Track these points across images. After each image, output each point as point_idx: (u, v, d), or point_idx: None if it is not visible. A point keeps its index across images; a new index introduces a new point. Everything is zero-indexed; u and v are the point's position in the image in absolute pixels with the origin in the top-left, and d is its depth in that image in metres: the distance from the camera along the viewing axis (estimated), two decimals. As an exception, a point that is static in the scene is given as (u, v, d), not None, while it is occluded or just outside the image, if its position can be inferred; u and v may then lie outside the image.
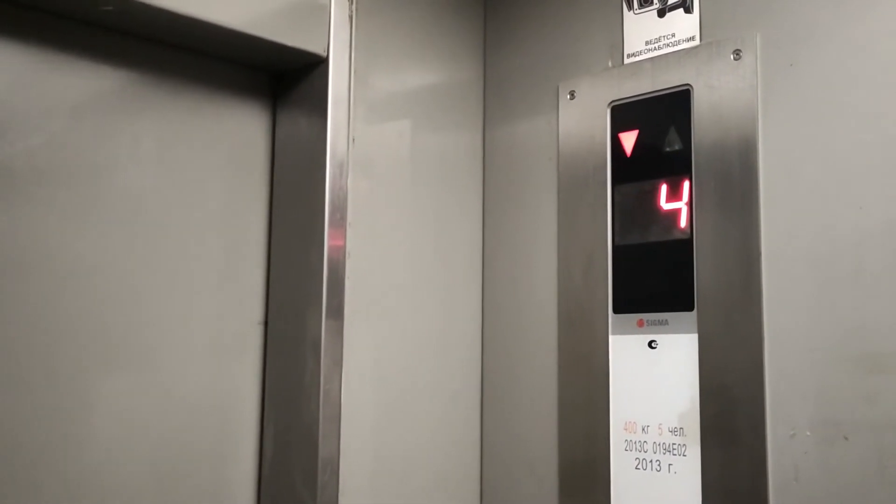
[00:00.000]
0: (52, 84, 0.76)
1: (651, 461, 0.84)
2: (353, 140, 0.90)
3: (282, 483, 0.86)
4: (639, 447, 0.85)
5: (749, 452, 0.77)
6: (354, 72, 0.91)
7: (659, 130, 0.87)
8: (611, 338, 0.88)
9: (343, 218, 0.87)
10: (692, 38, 0.86)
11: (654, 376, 0.84)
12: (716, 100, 0.82)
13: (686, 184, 0.84)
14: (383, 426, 0.92)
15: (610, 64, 0.93)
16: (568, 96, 0.96)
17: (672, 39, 0.87)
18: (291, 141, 0.90)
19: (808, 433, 0.73)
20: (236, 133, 0.89)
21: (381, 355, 0.92)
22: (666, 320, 0.84)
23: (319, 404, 0.84)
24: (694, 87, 0.84)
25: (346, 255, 0.87)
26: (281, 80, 0.92)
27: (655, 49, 0.88)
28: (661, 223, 0.86)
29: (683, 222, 0.84)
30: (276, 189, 0.91)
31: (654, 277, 0.86)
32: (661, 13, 0.89)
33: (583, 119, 0.94)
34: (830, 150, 0.75)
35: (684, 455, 0.81)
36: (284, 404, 0.87)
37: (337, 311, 0.86)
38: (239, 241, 0.89)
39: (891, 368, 0.69)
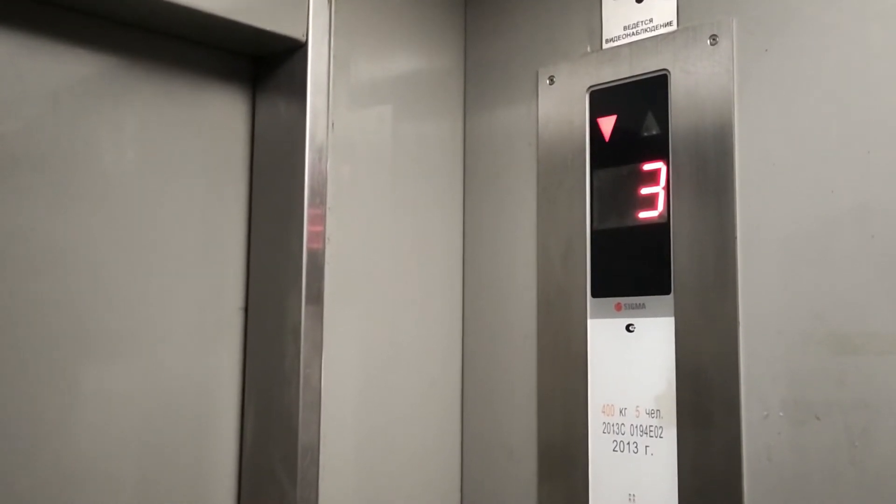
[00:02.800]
0: (29, 69, 0.76)
1: (628, 443, 0.85)
2: (333, 125, 0.90)
3: (262, 468, 0.86)
4: (616, 429, 0.86)
5: (723, 433, 0.78)
6: (334, 57, 0.91)
7: (637, 115, 0.87)
8: (589, 321, 0.89)
9: (322, 203, 0.87)
10: (669, 24, 0.86)
11: (632, 359, 0.85)
12: (692, 85, 0.83)
13: (663, 168, 0.85)
14: (364, 411, 0.92)
15: (589, 49, 0.93)
16: (547, 81, 0.96)
17: (650, 25, 0.88)
18: (271, 125, 0.90)
19: (781, 414, 0.74)
20: (215, 118, 0.89)
21: (361, 340, 0.93)
22: (643, 304, 0.85)
23: (300, 389, 0.84)
24: (671, 72, 0.85)
25: (326, 240, 0.88)
26: (260, 64, 0.92)
27: (633, 34, 0.89)
28: (638, 207, 0.86)
29: (661, 206, 0.84)
30: (255, 174, 0.91)
31: (631, 261, 0.86)
32: (639, -2, 0.89)
33: (562, 104, 0.94)
34: (803, 136, 0.76)
35: (661, 437, 0.82)
36: (265, 390, 0.87)
37: (317, 297, 0.86)
38: (219, 226, 0.89)
39: (859, 349, 0.70)
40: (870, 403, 0.69)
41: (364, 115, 0.95)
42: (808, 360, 0.73)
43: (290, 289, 0.86)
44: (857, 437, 0.70)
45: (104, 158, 0.80)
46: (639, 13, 0.89)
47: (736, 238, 0.78)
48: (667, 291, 0.83)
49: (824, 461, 0.71)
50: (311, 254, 0.86)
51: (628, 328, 0.86)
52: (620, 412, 0.86)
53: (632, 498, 0.84)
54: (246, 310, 0.90)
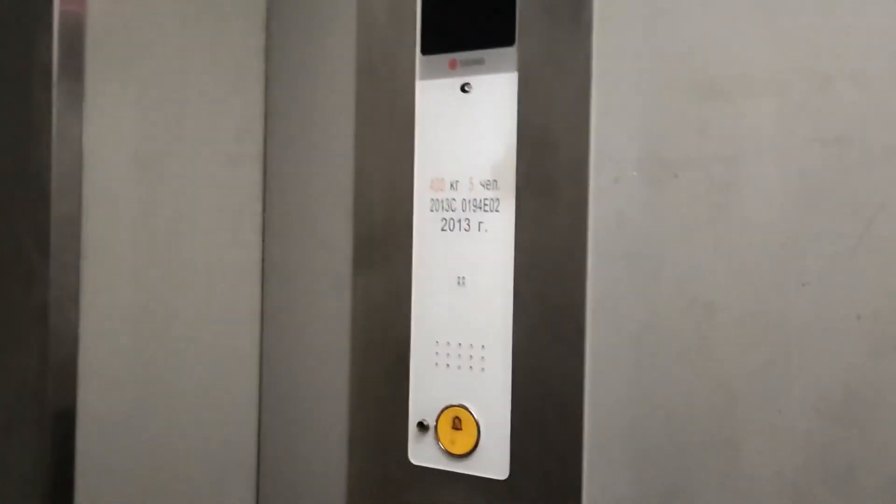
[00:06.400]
0: None
1: (459, 220, 0.74)
2: None
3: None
4: (446, 206, 0.75)
5: (568, 202, 0.68)
6: None
7: None
8: (418, 83, 0.76)
9: None
10: None
11: (467, 124, 0.73)
12: None
13: None
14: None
15: None
16: None
17: None
18: None
19: (635, 174, 0.66)
20: None
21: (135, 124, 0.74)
22: (482, 59, 0.73)
23: (52, 147, 0.65)
24: None
25: None
26: None
27: None
28: (478, -53, 0.73)
29: (504, -56, 0.71)
30: None
31: (469, 9, 0.73)
32: None
33: None
34: None
35: (497, 210, 0.72)
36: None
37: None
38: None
39: (724, 94, 0.62)
40: (733, 155, 0.62)
41: None
42: (667, 111, 0.65)
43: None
44: (716, 192, 0.63)
45: None
46: None
47: (593, -25, 0.67)
48: (510, 42, 0.71)
49: (681, 221, 0.64)
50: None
51: (463, 88, 0.74)
52: (451, 186, 0.74)
53: (461, 281, 0.74)
54: None
